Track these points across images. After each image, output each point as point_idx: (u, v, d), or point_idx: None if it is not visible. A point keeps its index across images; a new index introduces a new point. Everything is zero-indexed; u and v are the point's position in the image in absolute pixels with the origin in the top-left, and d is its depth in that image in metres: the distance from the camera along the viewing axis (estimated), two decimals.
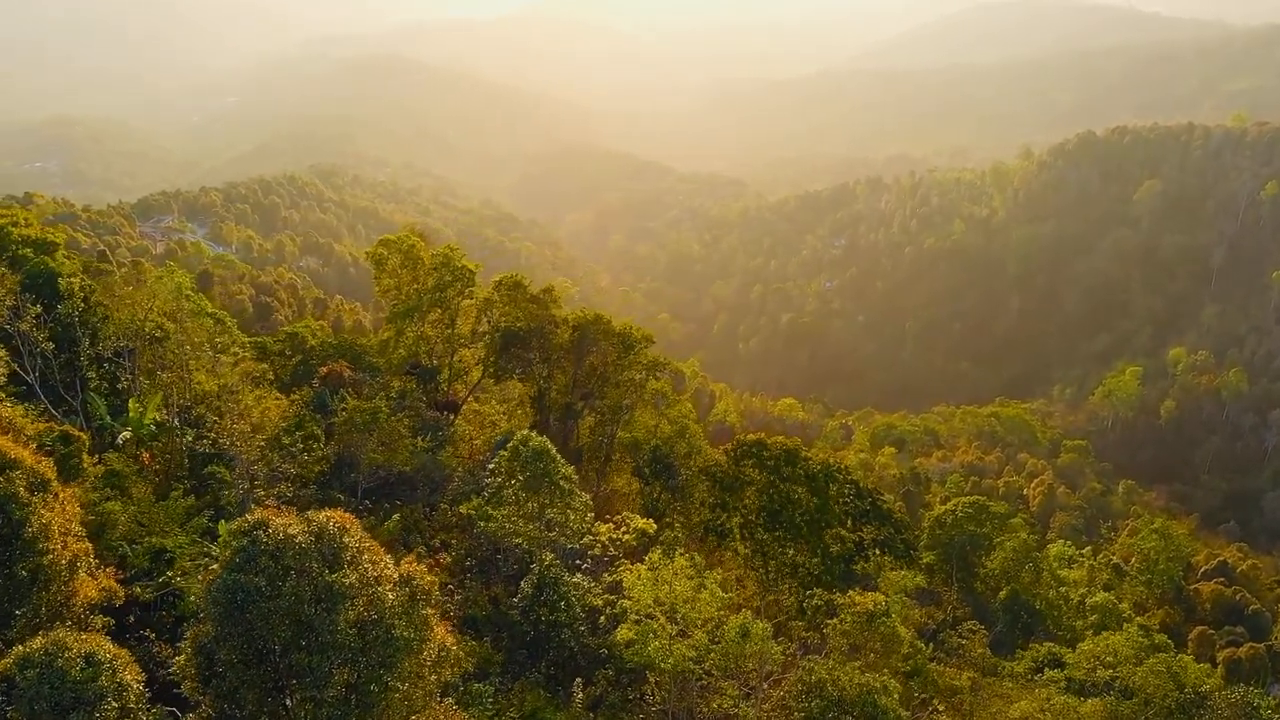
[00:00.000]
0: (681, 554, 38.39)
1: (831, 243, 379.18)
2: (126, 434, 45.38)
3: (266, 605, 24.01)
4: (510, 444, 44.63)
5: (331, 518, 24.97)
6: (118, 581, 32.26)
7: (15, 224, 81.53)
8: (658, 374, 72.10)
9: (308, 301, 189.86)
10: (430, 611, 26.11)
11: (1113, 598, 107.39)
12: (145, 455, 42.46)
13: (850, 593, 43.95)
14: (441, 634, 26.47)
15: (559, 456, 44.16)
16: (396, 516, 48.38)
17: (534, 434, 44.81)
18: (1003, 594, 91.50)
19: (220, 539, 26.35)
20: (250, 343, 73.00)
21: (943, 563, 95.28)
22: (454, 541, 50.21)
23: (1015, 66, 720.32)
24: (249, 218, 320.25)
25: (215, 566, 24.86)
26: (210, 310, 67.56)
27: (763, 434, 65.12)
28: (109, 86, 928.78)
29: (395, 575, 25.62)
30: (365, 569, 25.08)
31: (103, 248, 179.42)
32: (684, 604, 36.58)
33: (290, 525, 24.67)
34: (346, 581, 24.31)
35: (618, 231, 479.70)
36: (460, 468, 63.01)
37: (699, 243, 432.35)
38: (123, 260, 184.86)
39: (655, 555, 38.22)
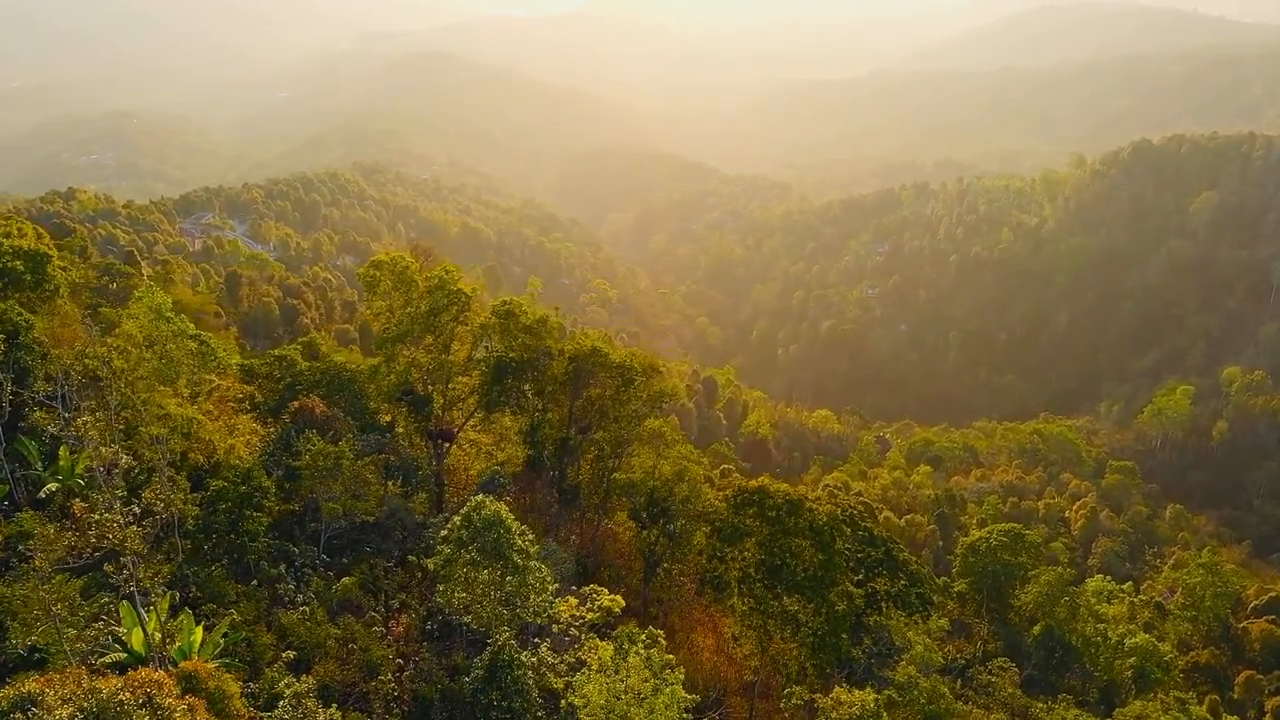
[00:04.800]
0: (638, 652, 34.34)
1: (875, 248, 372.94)
2: (54, 485, 42.22)
3: None
4: (464, 510, 40.77)
5: (135, 681, 20.88)
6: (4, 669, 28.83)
7: (8, 235, 79.86)
8: (661, 407, 68.10)
9: (336, 304, 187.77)
10: None
11: (1153, 639, 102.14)
12: (76, 507, 39.26)
13: (836, 690, 39.69)
14: None
15: (516, 525, 40.23)
16: (347, 579, 44.71)
17: (489, 500, 40.83)
18: (1037, 629, 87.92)
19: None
20: (237, 365, 70.16)
21: (975, 592, 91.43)
22: (415, 603, 46.47)
23: (1070, 69, 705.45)
24: (289, 215, 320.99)
25: None
26: (194, 331, 64.42)
27: (765, 479, 60.72)
28: (165, 81, 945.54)
29: None
30: None
31: (133, 248, 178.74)
32: (639, 707, 32.60)
33: (61, 706, 20.05)
34: None
35: (659, 232, 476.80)
36: (450, 500, 59.58)
37: (741, 246, 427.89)
38: (158, 258, 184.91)
39: (608, 653, 34.26)
